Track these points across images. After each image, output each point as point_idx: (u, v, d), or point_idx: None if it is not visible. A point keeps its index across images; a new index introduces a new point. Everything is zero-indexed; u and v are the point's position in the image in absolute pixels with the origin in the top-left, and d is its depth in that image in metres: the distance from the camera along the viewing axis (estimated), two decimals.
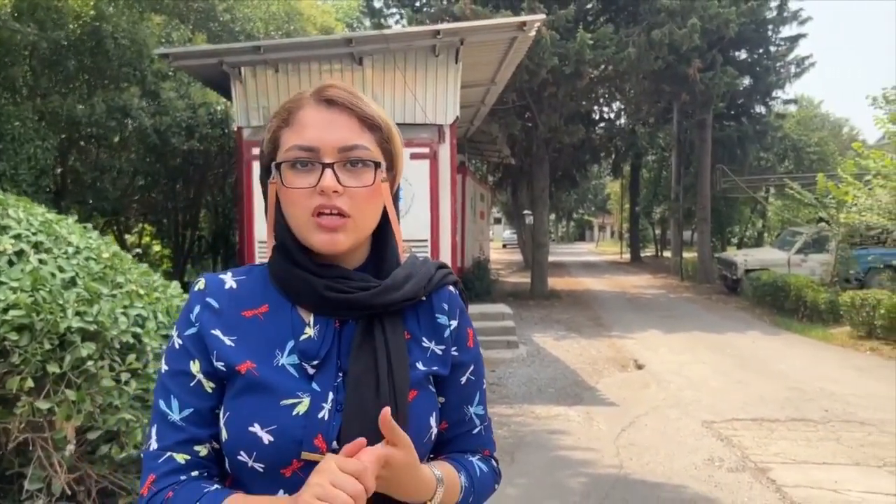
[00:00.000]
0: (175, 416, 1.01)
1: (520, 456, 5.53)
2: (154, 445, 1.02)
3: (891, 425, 6.30)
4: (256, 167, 8.63)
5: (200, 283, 1.09)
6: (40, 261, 2.98)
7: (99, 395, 2.93)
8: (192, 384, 1.02)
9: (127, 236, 13.40)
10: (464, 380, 1.14)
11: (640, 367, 9.14)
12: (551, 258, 23.36)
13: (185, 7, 13.69)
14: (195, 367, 1.03)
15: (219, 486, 1.01)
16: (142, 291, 3.34)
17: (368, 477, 0.88)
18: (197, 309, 1.05)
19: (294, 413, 0.98)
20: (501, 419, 6.56)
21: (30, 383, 2.67)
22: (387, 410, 0.92)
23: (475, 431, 1.16)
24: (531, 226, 19.71)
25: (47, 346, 2.74)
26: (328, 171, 1.00)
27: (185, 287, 4.08)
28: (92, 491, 3.17)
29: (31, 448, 2.93)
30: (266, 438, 0.97)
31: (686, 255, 23.81)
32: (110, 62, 10.69)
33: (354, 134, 1.03)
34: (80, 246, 3.31)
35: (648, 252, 37.68)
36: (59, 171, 11.09)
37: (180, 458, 1.00)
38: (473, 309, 11.22)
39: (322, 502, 0.85)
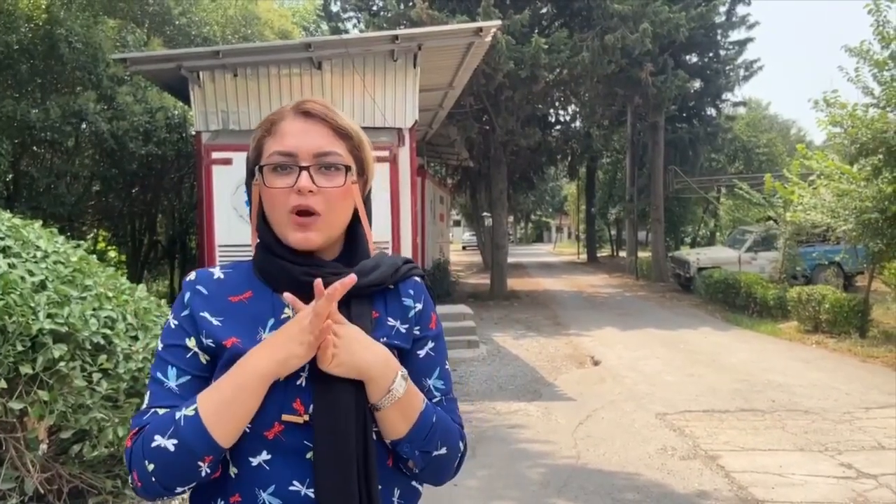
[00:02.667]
0: (171, 383, 1.13)
1: (481, 450, 5.68)
2: (144, 406, 1.13)
3: (832, 413, 6.63)
4: (216, 171, 8.66)
5: (192, 275, 1.22)
6: (9, 265, 3.03)
7: (71, 395, 2.99)
8: (188, 356, 1.14)
9: (82, 242, 13.19)
10: (422, 353, 1.25)
11: (596, 363, 9.39)
12: (510, 259, 23.61)
13: (141, 10, 13.59)
14: (191, 342, 1.15)
15: None
16: (110, 294, 3.40)
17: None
18: (188, 295, 1.19)
19: (274, 381, 1.09)
20: (463, 416, 6.66)
21: (2, 384, 2.72)
22: (318, 281, 1.07)
23: (434, 401, 1.24)
24: (490, 228, 19.95)
25: (19, 348, 2.80)
26: (304, 173, 1.14)
27: (148, 291, 4.13)
28: (63, 490, 3.22)
29: (2, 448, 2.97)
30: None
31: (641, 254, 24.29)
32: (64, 66, 10.55)
33: (328, 142, 1.17)
34: (49, 250, 3.36)
35: (604, 252, 38.25)
36: (10, 176, 10.91)
37: (162, 411, 1.10)
38: None
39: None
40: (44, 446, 2.99)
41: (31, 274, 3.06)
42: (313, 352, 1.07)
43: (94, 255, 4.00)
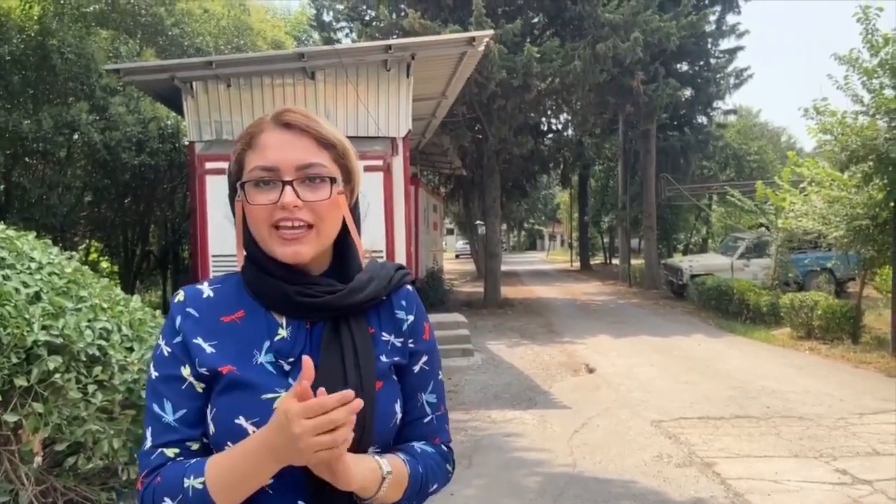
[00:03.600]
0: (169, 418, 1.11)
1: (477, 458, 5.67)
2: (148, 444, 1.11)
3: (827, 419, 6.64)
4: (209, 181, 8.65)
5: (180, 296, 1.18)
6: (4, 276, 3.02)
7: (66, 407, 2.98)
8: (183, 387, 1.12)
9: (75, 253, 13.15)
10: (417, 368, 1.24)
11: (591, 370, 9.39)
12: (504, 267, 23.64)
13: (133, 21, 13.59)
14: (186, 371, 1.12)
15: (199, 458, 1.09)
16: (105, 305, 3.39)
17: (333, 404, 0.97)
18: (179, 319, 1.15)
19: (274, 406, 1.06)
20: (458, 424, 6.70)
21: None
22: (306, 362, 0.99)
23: (426, 420, 1.25)
24: (483, 236, 19.98)
25: (14, 360, 2.79)
26: (288, 189, 1.10)
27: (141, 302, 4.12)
28: (58, 503, 3.20)
29: None
30: (250, 429, 1.07)
31: (634, 261, 24.36)
32: (56, 77, 10.55)
33: (311, 153, 1.13)
34: (43, 261, 3.35)
35: (597, 260, 38.30)
36: (2, 187, 10.88)
37: (170, 451, 1.10)
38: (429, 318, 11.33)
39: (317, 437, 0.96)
40: (38, 459, 2.97)
41: (26, 285, 3.05)
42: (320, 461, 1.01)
43: (87, 266, 3.99)
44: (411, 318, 1.25)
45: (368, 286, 1.18)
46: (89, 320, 3.15)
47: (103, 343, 3.15)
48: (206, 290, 1.19)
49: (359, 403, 0.98)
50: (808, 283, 15.55)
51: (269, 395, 1.09)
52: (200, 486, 1.03)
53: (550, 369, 9.53)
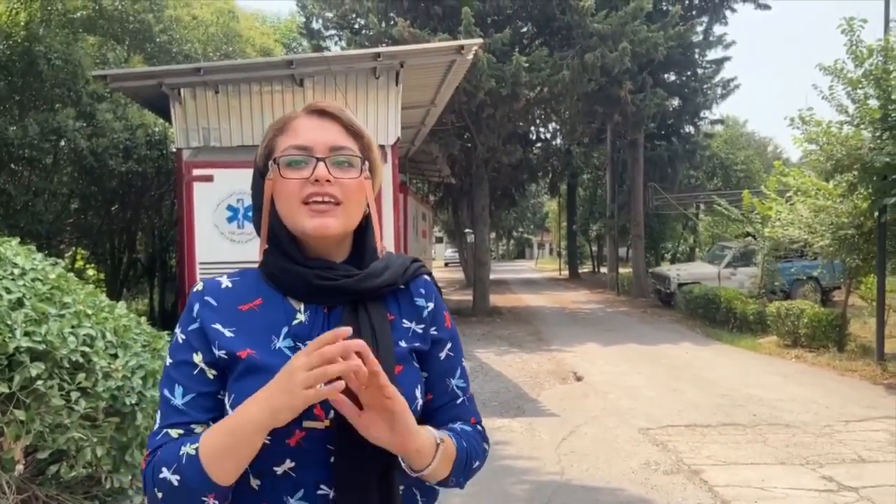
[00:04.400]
0: (178, 401, 1.12)
1: None
2: (156, 426, 1.14)
3: (813, 427, 6.67)
4: (197, 187, 8.61)
5: (199, 286, 1.21)
6: None
7: (48, 414, 2.95)
8: (195, 372, 1.13)
9: (60, 260, 13.06)
10: (443, 355, 1.27)
11: (579, 378, 9.40)
12: (492, 276, 23.65)
13: (121, 28, 13.55)
14: (197, 357, 1.14)
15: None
16: (89, 311, 3.36)
17: (348, 352, 0.99)
18: (197, 307, 1.17)
19: None
20: None
21: None
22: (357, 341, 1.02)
23: (459, 402, 1.28)
24: (472, 244, 20.00)
25: None
26: (321, 164, 1.14)
27: (127, 309, 4.09)
28: None
29: None
30: None
31: (622, 270, 24.45)
32: (43, 83, 10.49)
33: (342, 137, 1.19)
34: (26, 267, 3.32)
35: (586, 268, 38.42)
36: None
37: (174, 432, 1.11)
38: None
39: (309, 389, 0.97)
40: (20, 467, 2.94)
41: (9, 291, 3.02)
42: (310, 402, 1.00)
43: (73, 274, 3.97)
44: (431, 305, 1.27)
45: (385, 273, 1.21)
46: (73, 327, 3.12)
47: (87, 350, 3.12)
48: (224, 281, 1.22)
49: (356, 343, 1.00)
50: (795, 292, 15.66)
51: None
52: (194, 452, 1.05)
53: (539, 377, 9.53)
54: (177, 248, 10.82)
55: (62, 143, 10.42)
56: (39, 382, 2.86)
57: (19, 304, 3.03)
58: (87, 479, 3.26)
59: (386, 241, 9.00)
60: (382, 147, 9.06)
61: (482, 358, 11.02)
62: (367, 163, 1.21)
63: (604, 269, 30.77)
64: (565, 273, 35.03)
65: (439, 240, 50.48)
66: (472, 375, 9.44)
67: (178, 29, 14.83)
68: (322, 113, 1.20)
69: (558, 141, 24.50)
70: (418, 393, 1.20)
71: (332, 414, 1.09)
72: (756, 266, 15.05)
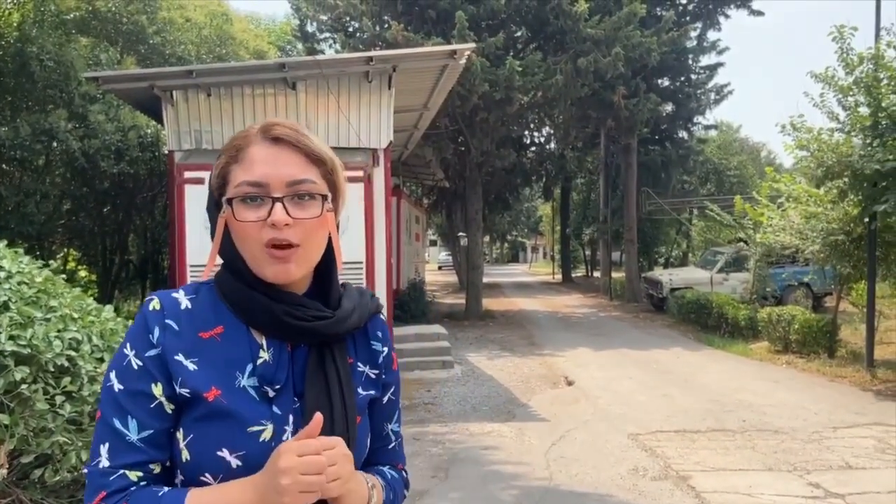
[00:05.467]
0: (133, 437, 1.02)
1: (454, 471, 5.66)
2: (105, 463, 1.02)
3: (801, 433, 6.70)
4: (188, 190, 8.60)
5: (155, 303, 1.10)
6: None
7: (33, 418, 2.94)
8: (152, 405, 1.04)
9: (52, 262, 13.01)
10: (385, 399, 1.24)
11: (570, 383, 9.41)
12: (486, 279, 23.68)
13: (114, 29, 13.53)
14: (157, 389, 1.04)
15: (170, 489, 1.03)
16: (76, 315, 3.35)
17: (330, 452, 0.99)
18: (157, 331, 1.07)
19: (261, 439, 1.04)
20: (436, 437, 6.68)
21: None
22: (319, 418, 1.01)
23: (391, 447, 1.27)
24: (466, 248, 20.00)
25: None
26: (278, 205, 1.05)
27: (119, 311, 4.09)
28: None
29: None
30: (234, 463, 1.03)
31: (615, 274, 24.47)
32: (35, 84, 10.47)
33: (301, 169, 1.08)
34: (12, 270, 3.31)
35: (579, 272, 38.47)
36: None
37: (133, 475, 1.02)
38: (409, 330, 11.33)
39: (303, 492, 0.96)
40: (3, 471, 2.92)
41: None
42: None
43: (65, 275, 3.96)
44: (385, 349, 1.24)
45: (353, 315, 1.16)
46: (59, 330, 3.11)
47: (73, 353, 3.11)
48: (182, 299, 1.12)
49: (341, 453, 1.01)
50: (786, 298, 15.70)
51: (255, 428, 1.05)
52: None
53: (530, 382, 9.54)
54: (169, 250, 10.80)
55: (54, 144, 10.39)
56: (24, 386, 2.85)
57: (4, 307, 3.03)
58: (72, 483, 3.24)
59: (377, 244, 9.08)
60: (375, 150, 9.08)
61: (474, 362, 11.02)
62: (329, 195, 1.12)
63: (597, 274, 30.81)
64: (559, 277, 35.05)
65: (433, 243, 50.49)
66: (463, 379, 9.48)
67: (172, 31, 14.81)
68: (278, 140, 1.09)
69: (552, 145, 24.54)
70: (368, 442, 1.19)
71: None
72: (748, 271, 15.10)
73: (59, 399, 2.99)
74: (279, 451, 0.97)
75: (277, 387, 1.08)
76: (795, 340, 11.15)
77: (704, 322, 14.42)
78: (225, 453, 1.03)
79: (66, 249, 13.68)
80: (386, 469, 1.25)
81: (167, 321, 1.08)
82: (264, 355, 1.09)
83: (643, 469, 5.66)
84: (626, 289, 21.80)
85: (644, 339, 13.47)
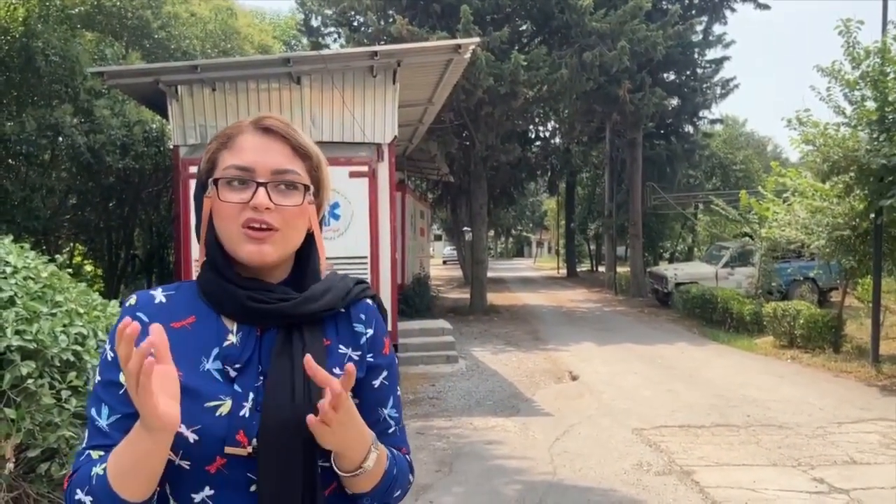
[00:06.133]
0: (102, 422, 1.09)
1: (458, 466, 5.67)
2: (81, 447, 1.10)
3: (806, 428, 6.69)
4: (193, 185, 8.59)
5: (132, 299, 1.17)
6: None
7: (39, 412, 2.95)
8: (120, 392, 1.08)
9: (57, 256, 13.06)
10: (377, 383, 1.23)
11: (574, 378, 9.41)
12: (490, 274, 23.69)
13: (119, 24, 13.54)
14: (123, 377, 1.04)
15: None
16: (81, 310, 3.37)
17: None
18: None
19: (217, 414, 1.07)
20: (440, 431, 6.70)
21: None
22: (308, 357, 1.01)
23: (390, 431, 1.25)
24: (470, 242, 20.00)
25: None
26: (261, 190, 1.10)
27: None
28: None
29: None
30: (192, 437, 1.05)
31: (620, 269, 24.46)
32: (41, 79, 10.48)
33: (287, 160, 1.14)
34: (18, 266, 3.32)
35: (584, 267, 38.42)
36: None
37: (95, 454, 1.07)
38: (414, 324, 11.35)
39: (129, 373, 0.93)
40: (10, 465, 2.94)
41: (0, 290, 3.03)
42: (134, 391, 0.94)
43: (71, 270, 3.99)
44: (370, 332, 1.23)
45: (324, 297, 1.17)
46: (64, 325, 3.13)
47: (78, 348, 3.13)
48: (158, 295, 1.18)
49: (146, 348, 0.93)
50: (792, 293, 15.67)
51: (213, 403, 1.08)
52: (102, 472, 1.02)
53: (534, 376, 9.55)
54: (174, 245, 10.83)
55: (60, 139, 10.42)
56: (30, 381, 2.87)
57: (11, 302, 3.04)
58: None
59: (382, 239, 9.08)
60: (379, 145, 9.08)
61: (478, 357, 11.04)
62: (311, 187, 1.17)
63: (602, 268, 30.79)
64: (563, 272, 35.02)
65: (437, 238, 50.52)
66: (467, 374, 9.50)
67: (177, 25, 14.82)
68: (269, 131, 1.15)
69: (557, 140, 24.52)
70: None
71: (254, 441, 1.07)
72: (753, 266, 15.07)
73: (64, 394, 3.01)
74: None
75: (238, 366, 1.11)
76: (800, 335, 11.12)
77: (709, 317, 14.40)
78: (182, 428, 1.05)
79: (71, 244, 13.73)
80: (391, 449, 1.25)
81: (138, 314, 1.14)
82: (232, 338, 1.13)
83: (647, 464, 5.67)
84: (631, 283, 21.77)
85: (649, 334, 13.46)
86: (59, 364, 3.01)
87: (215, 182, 1.13)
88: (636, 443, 6.30)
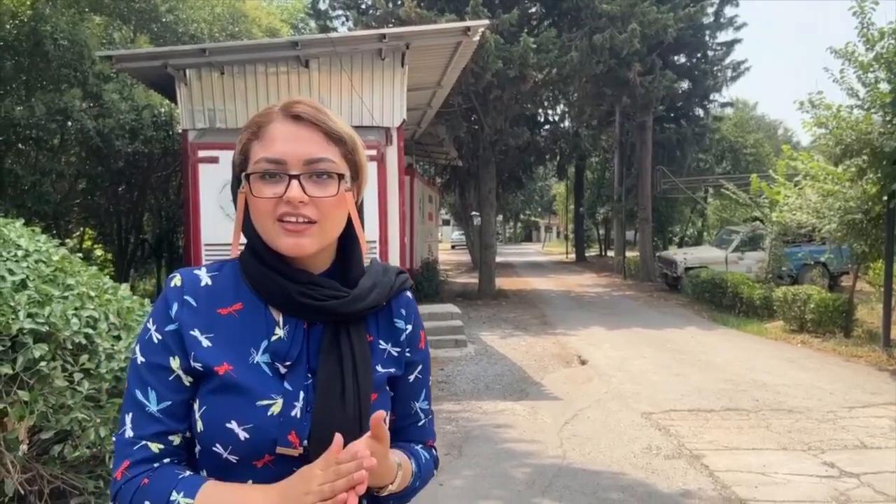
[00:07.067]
0: (153, 408, 1.07)
1: (467, 449, 5.69)
2: (129, 433, 1.07)
3: (816, 412, 6.68)
4: (202, 169, 8.62)
5: (177, 280, 1.14)
6: None
7: (51, 395, 2.97)
8: (171, 378, 1.08)
9: (68, 240, 13.13)
10: (412, 378, 1.24)
11: (583, 362, 9.41)
12: (499, 259, 23.66)
13: (127, 7, 13.51)
14: (175, 363, 1.09)
15: (192, 473, 1.07)
16: (92, 293, 3.38)
17: (359, 473, 0.97)
18: (175, 306, 1.11)
19: (269, 413, 1.06)
20: (450, 415, 6.72)
21: None
22: (379, 414, 1.02)
23: (420, 424, 1.28)
24: (479, 227, 19.97)
25: None
26: (294, 183, 1.07)
27: (134, 290, 4.12)
28: (44, 491, 3.20)
29: None
30: (242, 435, 1.05)
31: (629, 254, 24.38)
32: (49, 63, 10.48)
33: (320, 148, 1.10)
34: (30, 249, 3.33)
35: (593, 252, 38.38)
36: None
37: (154, 447, 1.07)
38: (422, 309, 11.32)
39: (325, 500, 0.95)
40: (24, 447, 2.97)
41: (12, 273, 3.04)
42: None
43: (81, 254, 4.01)
44: (410, 328, 1.24)
45: (371, 294, 1.17)
46: (76, 308, 3.14)
47: (90, 331, 3.14)
48: (203, 276, 1.16)
49: (367, 460, 0.98)
50: (802, 277, 15.60)
51: (264, 402, 1.07)
52: None
53: (543, 361, 9.55)
54: (183, 229, 10.86)
55: (69, 123, 10.44)
56: (43, 364, 2.88)
57: (23, 285, 3.05)
58: (91, 459, 3.29)
59: (391, 224, 9.08)
60: (388, 129, 9.05)
61: (487, 341, 11.04)
62: (347, 174, 1.13)
63: (611, 253, 30.72)
64: (572, 256, 34.97)
65: (446, 222, 50.47)
66: (476, 358, 9.51)
67: (184, 9, 14.78)
68: (298, 118, 1.11)
69: (566, 123, 24.37)
70: (387, 419, 1.18)
71: (305, 442, 1.08)
72: (763, 251, 14.99)
73: (77, 376, 3.03)
74: (311, 470, 0.99)
75: (289, 363, 1.10)
76: (811, 320, 11.08)
77: (719, 301, 14.35)
78: (233, 425, 1.05)
79: (81, 228, 13.80)
80: (419, 448, 1.26)
81: (186, 297, 1.12)
82: (279, 332, 1.11)
83: (656, 448, 5.67)
84: (641, 268, 21.71)
85: (658, 319, 13.44)
86: (71, 347, 3.03)
87: (247, 177, 1.10)
88: (645, 427, 6.31)
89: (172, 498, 1.01)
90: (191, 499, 1.01)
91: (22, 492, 3.08)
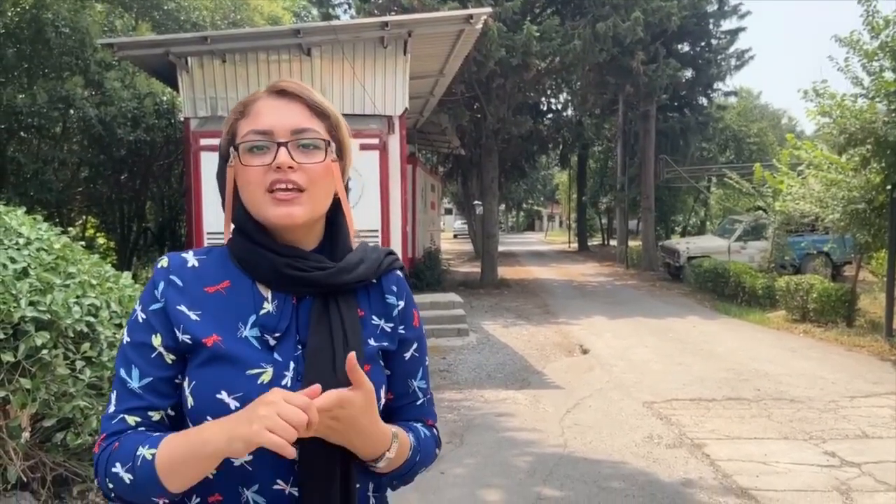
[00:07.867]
0: (134, 384, 1.09)
1: (469, 438, 5.70)
2: (111, 409, 1.10)
3: (818, 402, 6.68)
4: (204, 157, 8.61)
5: (164, 261, 1.16)
6: None
7: (53, 383, 2.98)
8: (153, 356, 1.10)
9: (70, 229, 13.14)
10: (408, 355, 1.24)
11: (585, 351, 9.42)
12: (501, 248, 23.65)
13: None
14: (157, 340, 1.10)
15: (163, 432, 1.08)
16: (94, 281, 3.39)
17: (313, 410, 0.95)
18: (161, 285, 1.13)
19: (259, 381, 1.07)
20: (451, 404, 6.73)
21: None
22: (352, 355, 1.00)
23: (419, 403, 1.27)
24: (481, 216, 19.95)
25: (1, 336, 2.78)
26: (282, 149, 1.09)
27: (137, 278, 4.12)
28: (47, 478, 3.21)
29: None
30: (233, 405, 1.05)
31: (631, 243, 24.36)
32: (51, 51, 10.45)
33: (305, 119, 1.13)
34: (31, 237, 3.34)
35: (595, 241, 38.32)
36: None
37: (131, 419, 1.09)
38: (425, 298, 11.36)
39: (270, 432, 0.93)
40: (26, 434, 2.98)
41: (14, 261, 3.04)
42: (264, 444, 0.94)
43: (83, 242, 4.00)
44: (401, 304, 1.24)
45: (358, 267, 1.17)
46: (77, 297, 3.14)
47: (92, 319, 3.15)
48: (190, 259, 1.17)
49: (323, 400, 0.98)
50: (805, 266, 15.57)
51: (254, 371, 1.08)
52: (150, 457, 1.02)
53: (545, 350, 9.56)
54: (186, 218, 10.86)
55: (71, 111, 10.42)
56: (45, 352, 2.89)
57: (24, 273, 3.06)
58: (93, 446, 3.30)
59: (393, 212, 9.06)
60: (390, 118, 9.02)
61: (489, 330, 11.05)
62: (333, 145, 1.16)
63: (614, 242, 30.68)
64: (575, 246, 34.93)
65: (448, 211, 50.45)
66: (478, 347, 9.52)
67: None
68: (284, 93, 1.15)
69: (569, 112, 24.32)
70: (382, 393, 1.17)
71: None
72: (766, 240, 14.97)
73: (79, 364, 3.04)
74: (271, 390, 0.99)
75: (278, 335, 1.11)
76: (813, 309, 11.07)
77: (721, 291, 14.34)
78: (224, 395, 1.06)
79: (84, 217, 13.81)
80: (419, 426, 1.26)
81: (171, 276, 1.14)
82: (268, 307, 1.13)
83: (658, 437, 5.68)
84: (643, 257, 21.69)
85: (660, 308, 13.43)
86: (72, 335, 3.03)
87: (236, 148, 1.13)
88: (647, 416, 6.31)
89: (138, 452, 1.03)
90: (154, 448, 1.03)
91: (25, 479, 3.09)
